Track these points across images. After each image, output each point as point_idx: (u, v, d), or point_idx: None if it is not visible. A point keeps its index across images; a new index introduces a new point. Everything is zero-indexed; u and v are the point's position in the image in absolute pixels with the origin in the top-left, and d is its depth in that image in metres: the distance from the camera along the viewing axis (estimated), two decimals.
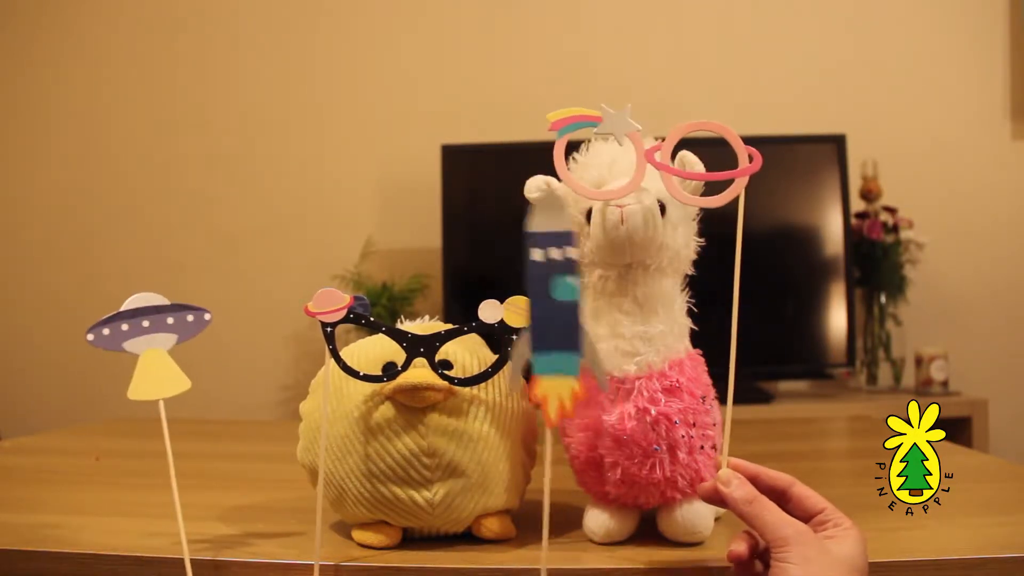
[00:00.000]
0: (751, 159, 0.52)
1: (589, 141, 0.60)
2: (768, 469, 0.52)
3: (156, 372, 0.54)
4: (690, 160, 0.56)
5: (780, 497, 0.51)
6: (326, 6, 2.06)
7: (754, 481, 0.51)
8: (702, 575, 0.54)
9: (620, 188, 0.55)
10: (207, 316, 0.56)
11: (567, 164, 0.60)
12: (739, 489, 0.50)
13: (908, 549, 0.55)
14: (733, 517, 0.51)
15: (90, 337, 0.54)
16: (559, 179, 0.61)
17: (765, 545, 0.49)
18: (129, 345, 0.54)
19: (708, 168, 0.56)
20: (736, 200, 0.52)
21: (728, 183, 0.52)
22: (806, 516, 0.50)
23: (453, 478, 0.57)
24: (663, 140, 0.54)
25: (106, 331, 0.54)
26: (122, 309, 0.54)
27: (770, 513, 0.48)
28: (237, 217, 2.06)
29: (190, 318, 0.56)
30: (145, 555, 0.56)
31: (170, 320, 0.55)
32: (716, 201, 0.54)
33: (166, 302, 0.55)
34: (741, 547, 0.50)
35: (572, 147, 0.58)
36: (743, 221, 0.51)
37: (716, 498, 0.51)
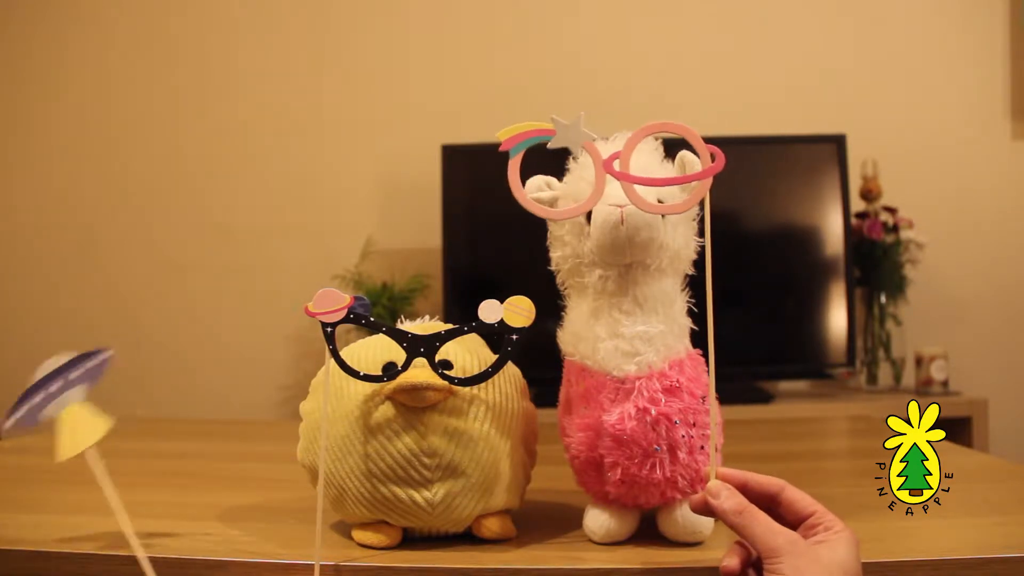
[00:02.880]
0: (714, 159, 0.51)
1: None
2: (757, 475, 0.52)
3: (76, 426, 0.52)
4: (689, 160, 0.56)
5: (771, 501, 0.50)
6: (326, 6, 2.06)
7: (743, 488, 0.51)
8: (702, 575, 0.54)
9: (575, 207, 0.54)
10: (106, 354, 0.55)
11: (567, 163, 0.61)
12: (728, 500, 0.49)
13: (908, 549, 0.55)
14: None
15: (8, 424, 0.52)
16: (559, 179, 0.61)
17: (758, 554, 0.49)
18: (45, 414, 0.53)
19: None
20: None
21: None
22: (797, 519, 0.49)
23: (453, 478, 0.57)
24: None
25: (23, 411, 0.52)
26: (30, 385, 0.53)
27: (760, 524, 0.48)
28: (237, 217, 2.06)
29: (91, 363, 0.55)
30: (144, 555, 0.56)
31: (74, 374, 0.54)
32: (681, 207, 0.54)
33: (71, 357, 0.54)
34: (733, 561, 0.50)
35: None
36: (713, 221, 0.51)
37: (706, 510, 0.51)
